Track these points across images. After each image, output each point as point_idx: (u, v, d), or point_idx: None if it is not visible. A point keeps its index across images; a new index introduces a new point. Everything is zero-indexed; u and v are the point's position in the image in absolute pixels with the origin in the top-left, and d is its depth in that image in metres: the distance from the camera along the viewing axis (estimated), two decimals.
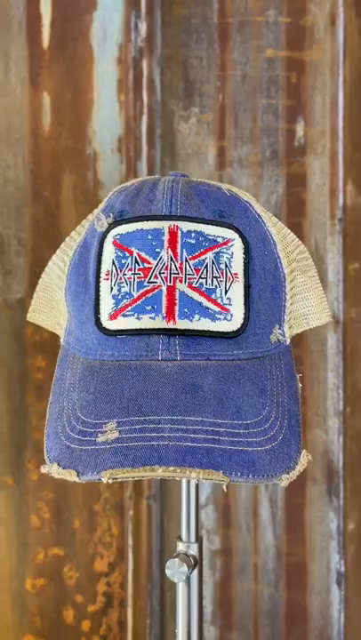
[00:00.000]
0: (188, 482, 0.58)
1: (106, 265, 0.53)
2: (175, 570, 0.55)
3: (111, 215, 0.54)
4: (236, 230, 0.53)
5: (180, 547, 0.58)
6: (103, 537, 0.86)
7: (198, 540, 0.59)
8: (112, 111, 0.87)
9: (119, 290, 0.52)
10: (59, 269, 0.58)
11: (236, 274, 0.52)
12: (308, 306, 0.56)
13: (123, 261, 0.52)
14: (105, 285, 0.53)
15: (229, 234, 0.52)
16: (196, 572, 0.58)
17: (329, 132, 0.86)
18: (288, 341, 0.55)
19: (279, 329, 0.54)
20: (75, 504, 0.87)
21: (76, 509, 0.86)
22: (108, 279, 0.53)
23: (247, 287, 0.52)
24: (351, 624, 0.85)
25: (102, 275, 0.53)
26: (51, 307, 0.59)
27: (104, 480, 0.44)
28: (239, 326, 0.52)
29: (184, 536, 0.59)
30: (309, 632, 0.86)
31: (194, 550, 0.58)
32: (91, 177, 0.88)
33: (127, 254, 0.52)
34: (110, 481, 0.44)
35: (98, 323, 0.53)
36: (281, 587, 0.86)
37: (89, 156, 0.88)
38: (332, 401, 0.86)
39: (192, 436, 0.44)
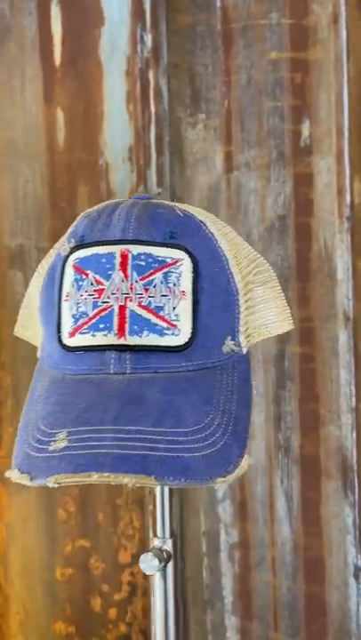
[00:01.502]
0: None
1: (67, 287, 0.54)
2: (148, 563, 0.57)
3: (72, 240, 0.55)
4: (186, 250, 0.53)
5: (156, 542, 0.60)
6: (126, 530, 0.83)
7: (172, 535, 0.61)
8: (122, 122, 0.83)
9: (77, 309, 0.53)
10: (34, 289, 0.60)
11: (183, 291, 0.52)
12: (268, 315, 0.56)
13: (80, 283, 0.53)
14: (65, 305, 0.54)
15: (178, 254, 0.53)
16: (171, 565, 0.60)
17: (335, 130, 0.79)
18: (245, 350, 0.55)
19: (232, 340, 0.54)
20: (98, 499, 0.83)
21: (99, 504, 0.83)
22: (67, 300, 0.54)
23: (195, 303, 0.52)
24: None
25: (63, 296, 0.54)
26: (33, 322, 0.60)
27: (50, 485, 0.46)
28: (187, 340, 0.52)
29: (159, 532, 0.60)
30: (329, 625, 0.80)
31: (168, 546, 0.60)
32: (104, 187, 0.84)
33: (84, 277, 0.53)
34: (56, 485, 0.46)
35: (60, 340, 0.54)
36: (299, 579, 0.81)
37: (101, 167, 0.84)
38: (344, 397, 0.79)
39: (130, 444, 0.45)
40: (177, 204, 0.58)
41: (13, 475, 0.48)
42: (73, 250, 0.54)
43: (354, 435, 0.81)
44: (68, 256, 0.55)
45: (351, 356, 0.81)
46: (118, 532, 0.85)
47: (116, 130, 0.85)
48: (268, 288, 0.56)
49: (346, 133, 0.81)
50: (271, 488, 0.83)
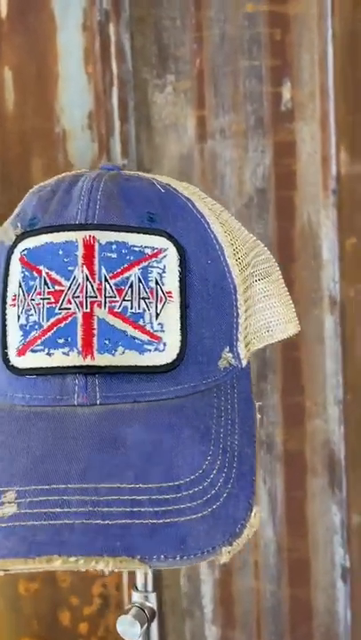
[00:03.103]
0: None
1: (13, 287, 0.40)
2: (127, 628, 0.43)
3: (19, 225, 0.41)
4: (170, 237, 0.39)
5: (135, 597, 0.45)
6: None
7: (155, 588, 0.46)
8: (80, 84, 0.71)
9: (27, 319, 0.39)
10: None
11: (169, 292, 0.39)
12: (271, 315, 0.42)
13: (31, 283, 0.39)
14: (12, 313, 0.40)
15: (160, 242, 0.39)
16: (155, 625, 0.46)
17: (318, 93, 0.69)
18: (245, 363, 0.41)
19: (229, 352, 0.41)
20: None
21: None
22: (14, 305, 0.39)
23: (184, 307, 0.39)
24: (358, 620, 0.72)
25: (9, 299, 0.40)
26: None
27: None
28: (175, 357, 0.38)
29: (139, 583, 0.46)
30: (315, 629, 0.72)
31: (152, 601, 0.45)
32: (61, 158, 0.72)
33: (35, 274, 0.39)
34: (1, 573, 0.32)
35: (5, 359, 0.39)
36: (283, 583, 0.73)
37: (58, 136, 0.72)
38: (331, 388, 0.71)
39: (105, 509, 0.32)
40: (156, 175, 0.45)
41: None
42: (20, 238, 0.40)
43: (342, 428, 0.72)
44: (13, 246, 0.40)
45: (338, 343, 0.72)
46: None
47: (74, 93, 0.73)
48: (269, 282, 0.43)
49: (331, 97, 0.71)
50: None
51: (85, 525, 0.31)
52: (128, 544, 0.31)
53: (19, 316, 0.39)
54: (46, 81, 0.73)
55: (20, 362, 0.39)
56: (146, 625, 0.43)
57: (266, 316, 0.42)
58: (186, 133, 0.73)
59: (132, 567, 0.31)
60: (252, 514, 0.33)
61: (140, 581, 0.46)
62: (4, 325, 0.40)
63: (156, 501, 0.32)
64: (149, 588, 0.45)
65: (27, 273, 0.39)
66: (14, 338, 0.39)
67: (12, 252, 0.40)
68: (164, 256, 0.39)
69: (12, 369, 0.39)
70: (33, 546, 0.31)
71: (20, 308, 0.39)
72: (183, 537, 0.31)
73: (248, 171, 0.72)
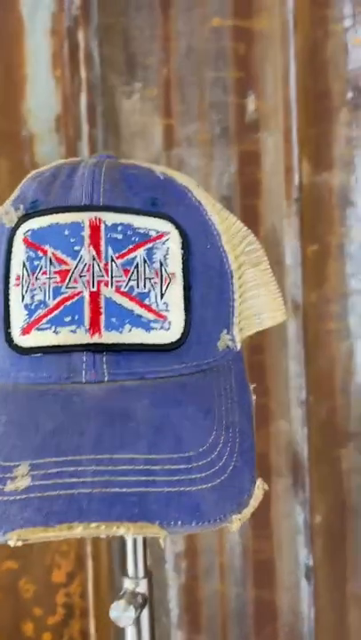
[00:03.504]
0: None
1: (16, 268, 0.40)
2: (121, 613, 0.43)
3: (21, 207, 0.41)
4: (172, 221, 0.40)
5: (127, 584, 0.46)
6: (60, 546, 0.71)
7: (147, 574, 0.47)
8: (48, 88, 0.70)
9: (32, 298, 0.39)
10: None
11: (173, 273, 0.40)
12: (260, 303, 0.44)
13: (35, 263, 0.39)
14: (15, 293, 0.40)
15: (164, 226, 0.40)
16: (146, 611, 0.46)
17: (282, 106, 0.71)
18: (239, 346, 0.43)
19: (228, 334, 0.42)
20: None
21: None
22: (18, 285, 0.40)
23: (187, 289, 0.40)
24: (321, 618, 0.73)
25: (12, 280, 0.40)
26: None
27: (11, 543, 0.32)
28: (179, 336, 0.39)
29: (130, 571, 0.47)
30: (279, 629, 0.73)
31: (143, 587, 0.46)
32: (28, 160, 0.71)
33: (40, 254, 0.39)
34: (20, 543, 0.32)
35: (8, 338, 0.39)
36: (249, 585, 0.73)
37: (25, 138, 0.71)
38: (294, 390, 0.72)
39: (121, 478, 0.33)
40: (152, 164, 0.45)
41: None
42: (23, 219, 0.40)
43: (305, 429, 0.74)
44: (15, 228, 0.40)
45: (301, 346, 0.74)
46: (52, 549, 0.73)
47: (42, 96, 0.72)
48: (259, 271, 0.44)
49: (293, 110, 0.73)
50: None
51: (103, 494, 0.31)
52: (146, 511, 0.32)
53: (23, 296, 0.39)
54: (14, 83, 0.72)
55: (24, 340, 0.39)
56: (139, 610, 0.44)
57: (256, 303, 0.44)
58: (153, 141, 0.74)
59: (150, 533, 0.31)
60: (256, 486, 0.35)
61: (131, 568, 0.46)
62: (7, 306, 0.40)
63: (169, 471, 0.33)
64: (140, 574, 0.46)
65: (31, 253, 0.39)
66: (18, 317, 0.39)
67: (15, 234, 0.40)
68: (168, 239, 0.40)
69: (16, 348, 0.39)
70: (51, 515, 0.31)
71: (25, 288, 0.39)
72: (197, 505, 0.33)
73: (214, 179, 0.74)
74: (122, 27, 0.73)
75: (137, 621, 0.46)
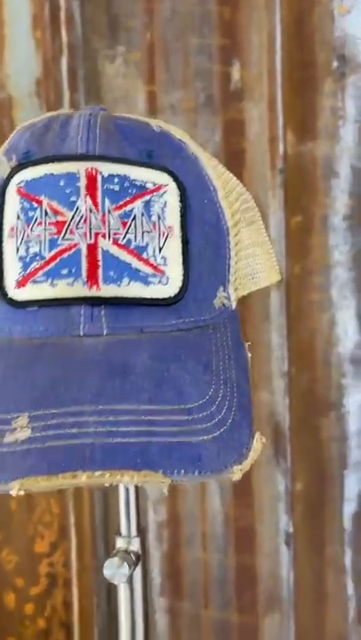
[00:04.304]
0: None
1: (9, 219, 0.39)
2: (115, 570, 0.43)
3: (14, 157, 0.39)
4: (170, 173, 0.39)
5: (120, 543, 0.46)
6: (43, 517, 0.70)
7: (140, 532, 0.47)
8: (27, 50, 0.67)
9: (27, 250, 0.38)
10: None
11: (170, 227, 0.39)
12: (255, 263, 0.43)
13: (30, 214, 0.38)
14: (9, 245, 0.38)
15: (161, 178, 0.39)
16: (139, 569, 0.47)
17: (266, 75, 0.70)
18: (234, 305, 0.43)
19: (224, 291, 0.42)
20: None
21: None
22: (12, 237, 0.38)
23: (185, 243, 0.39)
24: (300, 582, 0.74)
25: (6, 232, 0.39)
26: None
27: (13, 493, 0.31)
28: (177, 290, 0.39)
29: (123, 530, 0.47)
30: (260, 594, 0.74)
31: (135, 546, 0.46)
32: (7, 125, 0.68)
33: (35, 205, 0.38)
34: (22, 493, 0.31)
35: (2, 292, 0.38)
36: (230, 552, 0.73)
37: (4, 102, 0.68)
38: (276, 362, 0.72)
39: (123, 429, 0.33)
40: (147, 118, 0.43)
41: None
42: (15, 169, 0.39)
43: (286, 400, 0.74)
44: (8, 178, 0.39)
45: (284, 318, 0.74)
46: (34, 520, 0.72)
47: (21, 59, 0.69)
48: (254, 230, 0.44)
49: (278, 79, 0.72)
50: None
51: (105, 444, 0.31)
52: (149, 461, 0.32)
53: (17, 248, 0.38)
54: None
55: (19, 294, 0.38)
56: (133, 567, 0.44)
57: (251, 262, 0.43)
58: (136, 107, 0.72)
59: (154, 481, 0.31)
60: (255, 439, 0.35)
61: (124, 526, 0.46)
62: (1, 259, 0.38)
63: (171, 422, 0.33)
64: (133, 533, 0.46)
65: (26, 204, 0.38)
66: (13, 270, 0.38)
67: (8, 184, 0.39)
68: (165, 191, 0.39)
69: (11, 302, 0.38)
70: (54, 464, 0.31)
71: (19, 240, 0.38)
72: (199, 455, 0.33)
73: None
74: None
75: (130, 579, 0.46)
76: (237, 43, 0.71)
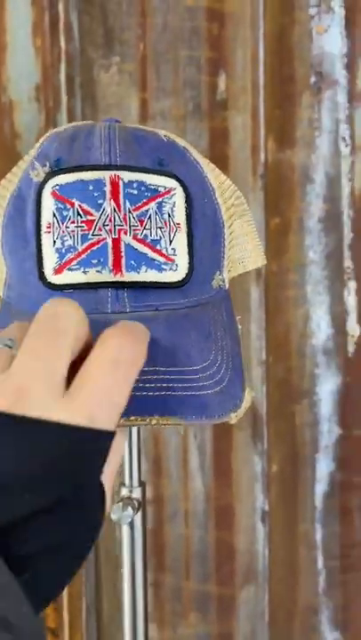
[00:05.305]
0: (130, 428, 0.55)
1: (46, 217, 0.45)
2: (120, 514, 0.52)
3: (47, 164, 0.46)
4: (177, 179, 0.47)
5: (124, 491, 0.55)
6: None
7: (141, 483, 0.55)
8: (28, 57, 0.71)
9: (62, 243, 0.45)
10: None
11: (179, 223, 0.46)
12: (244, 250, 0.51)
13: (64, 213, 0.45)
14: (47, 238, 0.45)
15: (170, 183, 0.46)
16: (139, 515, 0.55)
17: (250, 86, 0.75)
18: (227, 286, 0.51)
19: (220, 274, 0.50)
20: None
21: None
22: (49, 232, 0.45)
23: (190, 236, 0.47)
24: (274, 557, 0.79)
25: (43, 227, 0.46)
26: None
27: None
28: (184, 276, 0.46)
29: (127, 480, 0.55)
30: (237, 568, 0.79)
31: (137, 494, 0.55)
32: (8, 127, 0.72)
33: (68, 206, 0.45)
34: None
35: (42, 277, 0.45)
36: (210, 528, 0.78)
37: (5, 105, 0.72)
38: (255, 351, 0.77)
39: (148, 385, 0.40)
40: (154, 129, 0.51)
41: None
42: (50, 175, 0.45)
43: (264, 387, 0.79)
44: (43, 182, 0.45)
45: (262, 311, 0.79)
46: None
47: (22, 65, 0.73)
48: (244, 222, 0.51)
49: (261, 91, 0.77)
50: (185, 443, 0.79)
51: (135, 396, 0.38)
52: (169, 409, 0.40)
53: (54, 241, 0.45)
54: None
55: (57, 279, 0.45)
56: (135, 511, 0.52)
57: (241, 249, 0.51)
58: (129, 113, 0.76)
59: (173, 422, 0.40)
60: (245, 393, 0.44)
61: (127, 478, 0.54)
62: (40, 250, 0.45)
63: (183, 380, 0.41)
64: (135, 484, 0.54)
65: (60, 205, 0.45)
66: (50, 259, 0.45)
67: (44, 188, 0.45)
68: (174, 194, 0.46)
69: (50, 285, 0.45)
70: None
71: (56, 235, 0.45)
72: (205, 405, 0.41)
73: None
74: (100, 0, 0.74)
75: (131, 524, 0.54)
76: (224, 56, 0.76)
